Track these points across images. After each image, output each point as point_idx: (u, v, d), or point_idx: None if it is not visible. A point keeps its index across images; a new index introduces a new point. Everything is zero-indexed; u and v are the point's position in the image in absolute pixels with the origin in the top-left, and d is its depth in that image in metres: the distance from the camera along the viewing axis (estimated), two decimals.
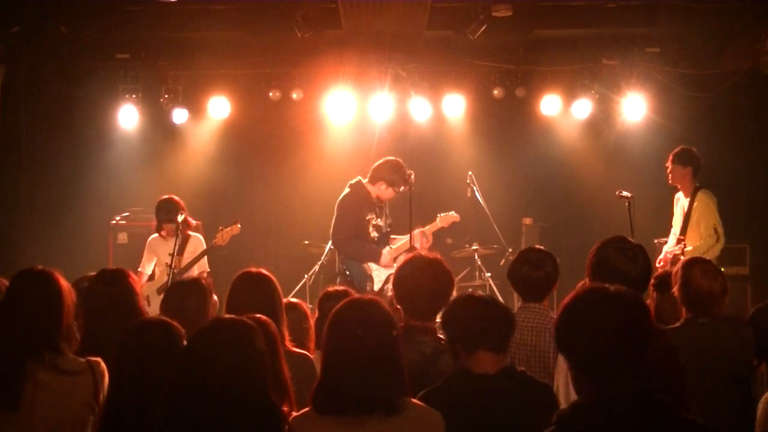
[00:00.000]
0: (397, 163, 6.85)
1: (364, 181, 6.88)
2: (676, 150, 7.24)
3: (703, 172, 9.25)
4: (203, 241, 7.15)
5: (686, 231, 7.04)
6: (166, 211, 6.99)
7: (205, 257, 7.10)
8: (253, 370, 2.46)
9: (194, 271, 6.94)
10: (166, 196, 7.10)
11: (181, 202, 7.04)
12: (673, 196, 7.35)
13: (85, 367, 3.14)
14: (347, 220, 6.76)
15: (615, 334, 2.24)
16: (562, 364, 3.47)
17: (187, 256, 6.94)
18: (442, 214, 7.13)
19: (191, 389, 2.41)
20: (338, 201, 6.87)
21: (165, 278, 6.82)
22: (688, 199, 7.14)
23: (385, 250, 6.77)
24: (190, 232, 7.02)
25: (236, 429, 2.40)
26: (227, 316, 2.64)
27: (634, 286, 3.30)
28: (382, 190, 6.80)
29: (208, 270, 7.16)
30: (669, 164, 7.22)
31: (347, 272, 6.80)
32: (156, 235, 7.17)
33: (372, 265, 6.75)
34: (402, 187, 6.75)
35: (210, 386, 2.40)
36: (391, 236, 6.94)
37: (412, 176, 6.78)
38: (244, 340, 2.49)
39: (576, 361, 2.33)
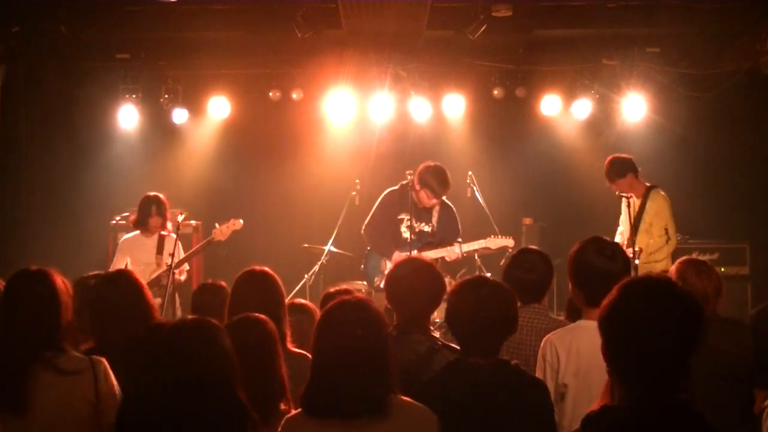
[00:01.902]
0: (437, 168, 6.91)
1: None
2: (606, 168, 7.25)
3: (703, 172, 9.30)
4: (176, 239, 7.08)
5: (637, 231, 7.05)
6: (158, 205, 6.98)
7: (181, 252, 7.07)
8: (217, 367, 2.50)
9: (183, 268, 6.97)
10: (153, 193, 7.10)
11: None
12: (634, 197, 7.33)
13: (86, 366, 3.15)
14: (377, 212, 7.10)
15: (672, 338, 2.13)
16: (540, 364, 3.48)
17: (167, 255, 6.87)
18: (493, 237, 7.14)
19: (162, 386, 2.43)
20: None
21: (146, 278, 6.75)
22: (640, 200, 7.17)
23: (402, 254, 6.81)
24: (164, 233, 7.02)
25: (201, 424, 2.43)
26: (191, 317, 2.66)
27: (616, 284, 3.32)
28: (417, 191, 6.85)
29: (187, 268, 7.14)
30: (609, 184, 7.23)
31: (363, 265, 7.17)
32: (132, 234, 7.14)
33: (389, 263, 6.80)
34: (429, 194, 6.82)
35: (177, 383, 2.43)
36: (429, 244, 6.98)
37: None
38: (208, 339, 2.53)
39: (619, 363, 2.20)
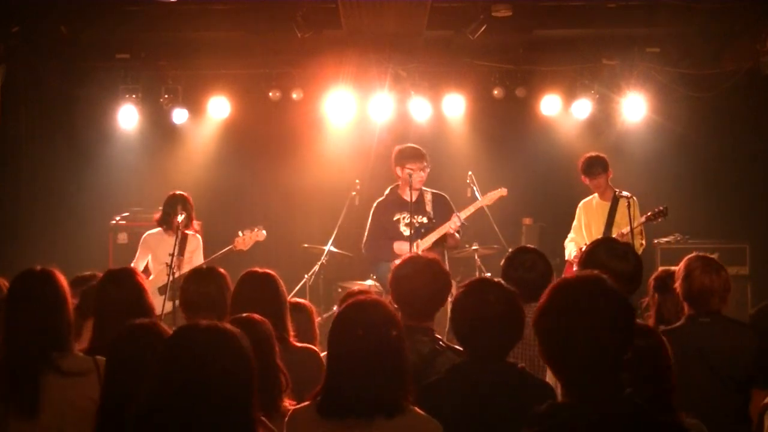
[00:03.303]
0: (405, 146, 6.96)
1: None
2: (591, 161, 7.24)
3: (703, 172, 9.30)
4: (200, 240, 7.12)
5: (610, 234, 7.03)
6: (183, 203, 6.87)
7: (201, 255, 7.03)
8: (229, 374, 2.36)
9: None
10: (179, 192, 6.98)
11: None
12: (617, 201, 7.22)
13: (91, 366, 3.14)
14: (372, 226, 7.01)
15: (603, 336, 2.17)
16: None
17: (188, 255, 6.85)
18: (488, 193, 7.08)
19: (169, 391, 2.36)
20: None
21: (165, 278, 6.75)
22: (608, 203, 7.16)
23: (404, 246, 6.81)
24: (188, 232, 6.94)
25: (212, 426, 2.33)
26: (206, 321, 2.57)
27: (627, 284, 3.34)
28: (403, 177, 6.83)
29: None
30: (591, 178, 7.22)
31: (374, 275, 7.05)
32: (155, 230, 7.03)
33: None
34: (413, 165, 6.76)
35: (187, 388, 2.33)
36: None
37: (412, 175, 6.78)
38: (222, 343, 2.40)
39: (555, 362, 2.24)
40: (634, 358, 2.61)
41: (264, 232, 7.00)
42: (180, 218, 6.75)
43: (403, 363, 2.71)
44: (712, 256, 4.12)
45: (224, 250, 6.93)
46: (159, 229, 7.04)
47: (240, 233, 6.94)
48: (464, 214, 6.87)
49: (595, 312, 2.18)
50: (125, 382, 2.70)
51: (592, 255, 3.42)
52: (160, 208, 7.06)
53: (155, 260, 6.95)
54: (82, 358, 3.17)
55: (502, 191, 7.09)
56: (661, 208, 6.95)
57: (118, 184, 9.22)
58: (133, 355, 2.75)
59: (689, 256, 4.17)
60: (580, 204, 7.50)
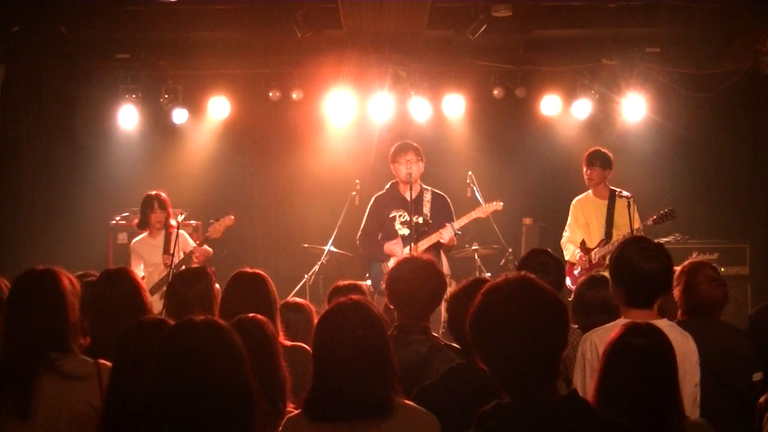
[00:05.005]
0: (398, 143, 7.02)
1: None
2: (594, 152, 7.16)
3: (703, 172, 9.31)
4: (188, 237, 7.22)
5: (611, 233, 6.99)
6: (159, 201, 7.02)
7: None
8: (229, 364, 2.40)
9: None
10: (153, 191, 7.12)
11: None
12: (597, 200, 7.19)
13: (92, 370, 3.10)
14: (367, 220, 7.03)
15: (536, 336, 2.18)
16: (579, 362, 3.46)
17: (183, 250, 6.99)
18: (483, 205, 7.06)
19: (172, 387, 2.36)
20: None
21: (156, 278, 6.83)
22: (605, 201, 7.10)
23: (395, 247, 6.81)
24: (172, 229, 7.04)
25: (211, 420, 2.34)
26: (199, 316, 2.55)
27: (658, 285, 3.33)
28: (396, 174, 6.88)
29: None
30: (588, 168, 7.13)
31: (367, 273, 7.06)
32: (141, 236, 7.15)
33: (391, 264, 6.73)
34: (401, 158, 6.81)
35: (183, 383, 2.34)
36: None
37: (412, 175, 6.79)
38: (218, 337, 2.44)
39: (491, 363, 2.25)
40: (636, 358, 2.62)
41: (232, 217, 7.10)
42: (180, 218, 6.80)
43: (393, 363, 2.69)
44: (713, 256, 4.11)
45: (200, 241, 7.16)
46: (143, 234, 7.17)
47: (211, 221, 7.09)
48: (458, 224, 6.86)
49: (527, 313, 2.20)
50: (132, 380, 2.67)
51: (623, 256, 3.40)
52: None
53: (145, 265, 7.06)
54: (84, 361, 3.13)
55: (498, 205, 7.04)
56: (668, 210, 6.85)
57: (118, 184, 9.22)
58: (142, 352, 2.72)
59: (688, 263, 4.14)
60: (574, 201, 7.36)
